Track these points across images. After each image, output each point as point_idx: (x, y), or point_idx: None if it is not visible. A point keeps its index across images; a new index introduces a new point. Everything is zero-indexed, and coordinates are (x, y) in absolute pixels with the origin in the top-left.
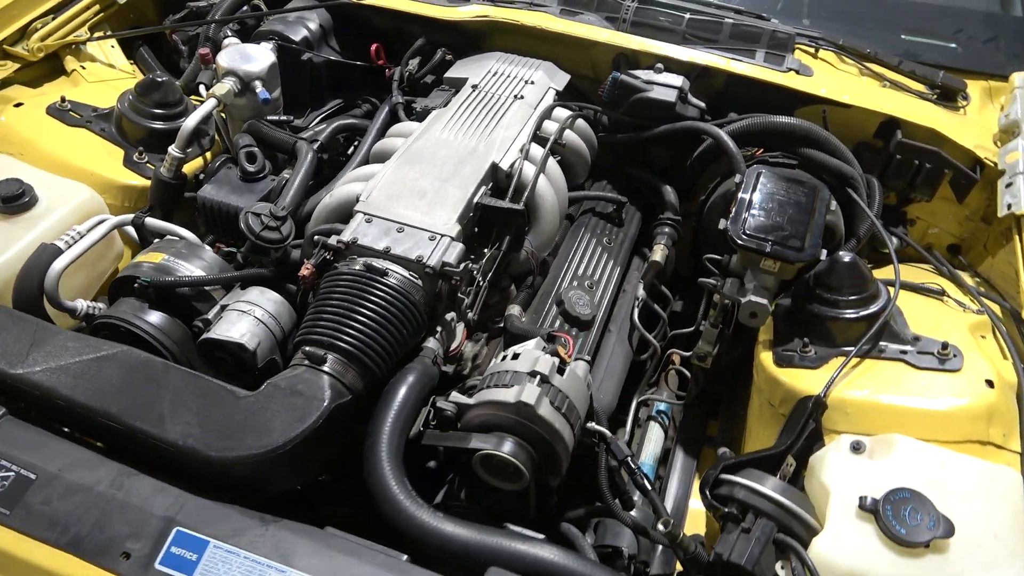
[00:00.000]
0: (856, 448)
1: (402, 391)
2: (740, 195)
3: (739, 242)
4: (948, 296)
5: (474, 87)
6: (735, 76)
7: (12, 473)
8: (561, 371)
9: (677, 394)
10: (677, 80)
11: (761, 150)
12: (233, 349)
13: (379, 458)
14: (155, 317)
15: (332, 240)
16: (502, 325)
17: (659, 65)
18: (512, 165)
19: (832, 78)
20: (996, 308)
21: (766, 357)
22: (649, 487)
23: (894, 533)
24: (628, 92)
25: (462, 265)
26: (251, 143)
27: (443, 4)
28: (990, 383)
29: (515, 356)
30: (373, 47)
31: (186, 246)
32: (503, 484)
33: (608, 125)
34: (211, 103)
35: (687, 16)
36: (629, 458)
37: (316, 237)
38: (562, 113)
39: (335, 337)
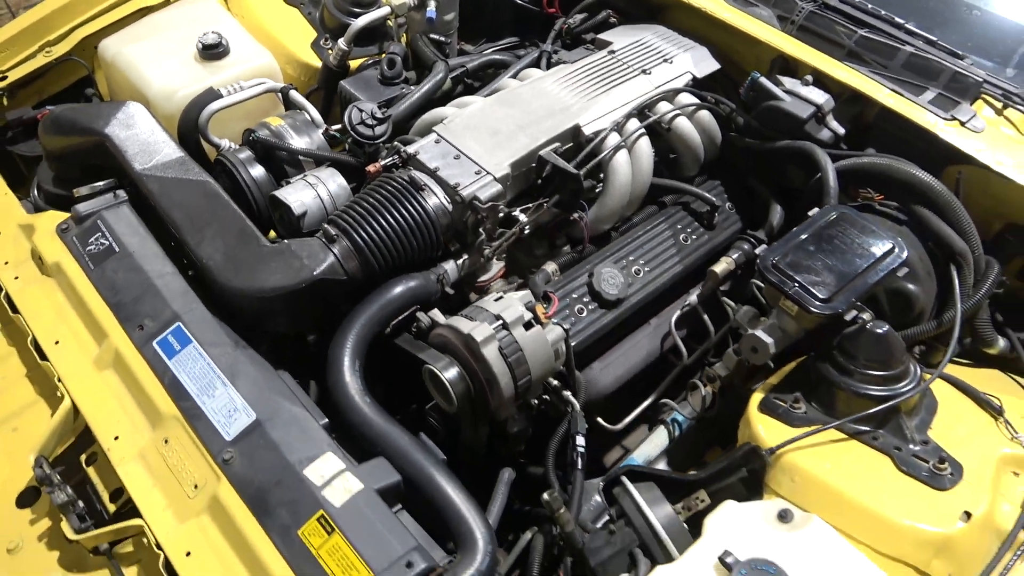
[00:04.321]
0: (782, 517)
1: (392, 289)
2: (797, 228)
3: (764, 273)
4: (1004, 418)
5: (611, 52)
6: (886, 110)
7: (107, 242)
8: (528, 326)
9: (699, 412)
10: (821, 98)
11: (881, 196)
12: (285, 209)
13: (345, 334)
14: (253, 167)
15: (402, 148)
16: None
17: (808, 77)
18: (597, 132)
19: (1004, 142)
20: None
21: (756, 398)
22: (580, 466)
23: None
24: (763, 96)
25: (490, 203)
26: (397, 52)
27: None
28: (968, 515)
29: (498, 299)
30: None
31: (304, 122)
32: (441, 402)
33: (740, 127)
34: (385, 10)
35: (860, 32)
36: (578, 435)
37: (395, 143)
38: (686, 99)
39: (352, 227)
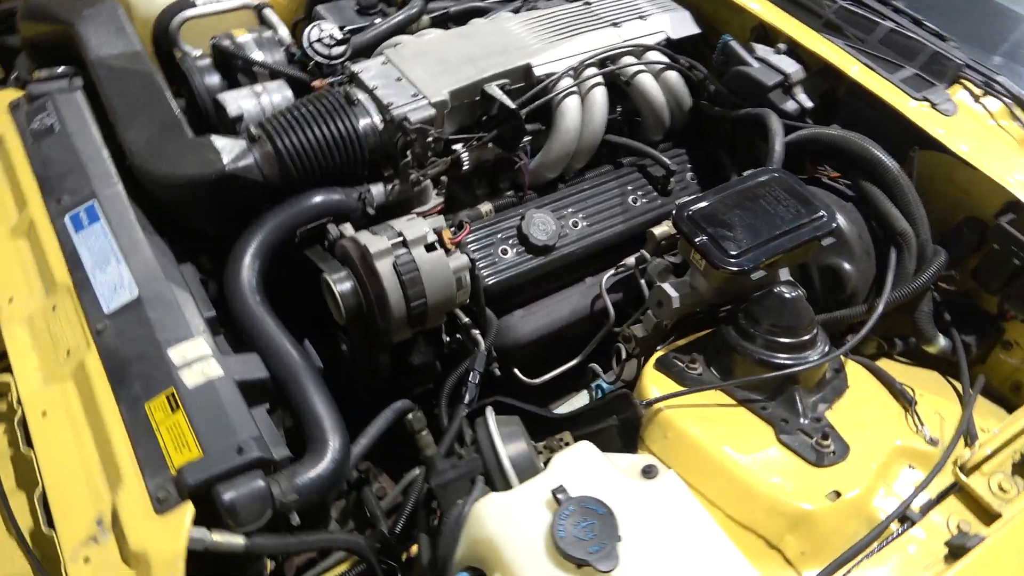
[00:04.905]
0: (647, 472)
1: (309, 198)
2: (725, 184)
3: (676, 221)
4: (915, 411)
5: (586, 3)
6: (855, 84)
7: (51, 121)
8: (430, 248)
9: (618, 374)
10: (791, 67)
11: (838, 175)
12: (222, 110)
13: (252, 232)
14: (210, 75)
15: (347, 66)
16: None
17: (781, 46)
18: (550, 75)
19: (974, 129)
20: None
21: (657, 355)
22: (466, 400)
23: (554, 531)
24: (733, 61)
25: (419, 125)
26: None
27: None
28: (836, 495)
29: (410, 219)
30: None
31: (269, 39)
32: (335, 315)
33: (712, 95)
34: None
35: (840, 3)
36: (473, 374)
37: (346, 63)
38: (654, 57)
39: (277, 131)
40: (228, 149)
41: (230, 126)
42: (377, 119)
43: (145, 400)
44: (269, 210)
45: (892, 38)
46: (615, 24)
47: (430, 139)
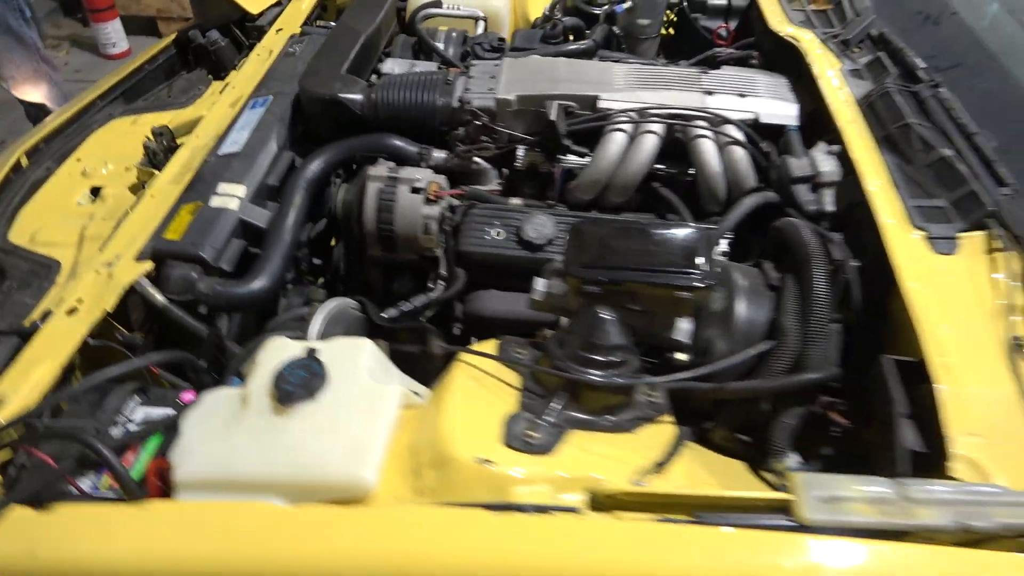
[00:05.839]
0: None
1: (380, 138)
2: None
3: (572, 229)
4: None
5: (703, 71)
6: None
7: (297, 48)
8: (415, 192)
9: None
10: (828, 167)
11: None
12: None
13: (331, 147)
14: (406, 48)
15: (473, 63)
16: None
17: (836, 148)
18: (611, 110)
19: (950, 280)
20: None
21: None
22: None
23: (281, 366)
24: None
25: (475, 110)
26: (567, 22)
27: None
28: (486, 461)
29: (423, 171)
30: None
31: (457, 37)
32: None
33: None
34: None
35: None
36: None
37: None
38: (729, 130)
39: (384, 86)
40: (348, 85)
41: None
42: (454, 100)
43: (183, 203)
44: (352, 137)
45: (940, 166)
46: (709, 93)
47: (480, 123)
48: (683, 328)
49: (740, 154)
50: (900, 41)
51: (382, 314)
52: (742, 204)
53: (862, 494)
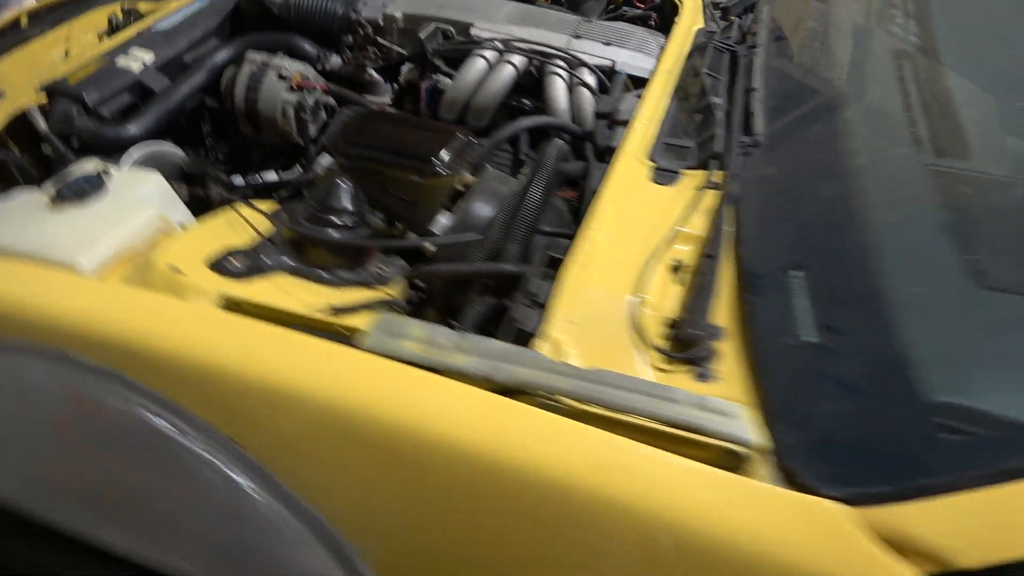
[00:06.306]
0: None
1: (286, 36)
2: None
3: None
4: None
5: (587, 20)
6: None
7: None
8: (282, 78)
9: None
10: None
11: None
12: None
13: (245, 37)
14: None
15: None
16: None
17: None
18: (480, 38)
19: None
20: None
21: None
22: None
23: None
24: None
25: (361, 19)
26: None
27: None
28: (176, 270)
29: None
30: None
31: None
32: None
33: None
34: None
35: None
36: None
37: None
38: (583, 74)
39: None
40: None
41: None
42: (351, 11)
43: (100, 60)
44: (259, 33)
45: (706, 111)
46: (576, 36)
47: (363, 33)
48: (440, 222)
49: (587, 96)
50: (765, 14)
51: (232, 180)
52: (517, 123)
53: (422, 335)
